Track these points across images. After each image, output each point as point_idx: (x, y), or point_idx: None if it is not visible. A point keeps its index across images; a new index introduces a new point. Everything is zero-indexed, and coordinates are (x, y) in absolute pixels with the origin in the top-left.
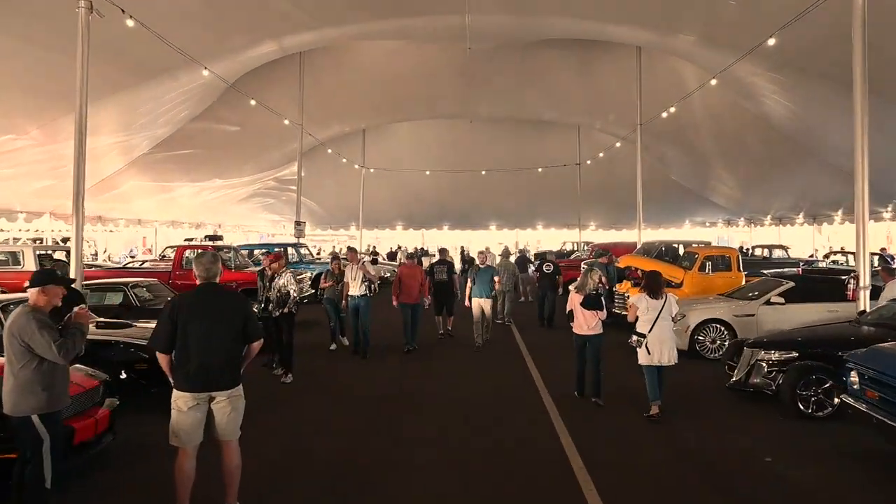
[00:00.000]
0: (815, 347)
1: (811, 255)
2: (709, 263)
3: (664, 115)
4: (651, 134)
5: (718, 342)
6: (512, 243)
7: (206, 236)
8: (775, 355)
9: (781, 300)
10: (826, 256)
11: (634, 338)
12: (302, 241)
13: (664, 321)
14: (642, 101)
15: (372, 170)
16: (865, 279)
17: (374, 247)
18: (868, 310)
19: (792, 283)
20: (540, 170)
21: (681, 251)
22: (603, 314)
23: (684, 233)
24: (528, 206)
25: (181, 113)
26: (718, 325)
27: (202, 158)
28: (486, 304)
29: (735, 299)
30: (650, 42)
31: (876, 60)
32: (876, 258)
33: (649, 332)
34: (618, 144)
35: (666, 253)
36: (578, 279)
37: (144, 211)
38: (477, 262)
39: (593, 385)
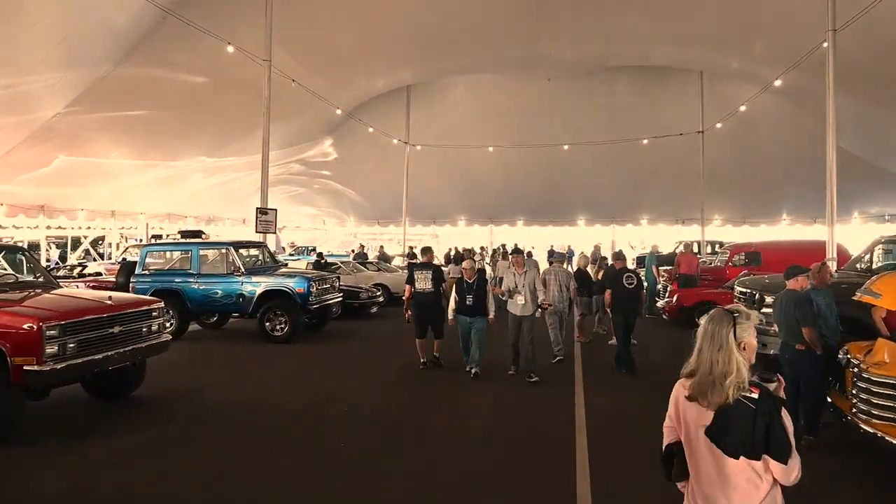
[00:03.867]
0: None
1: None
2: None
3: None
4: (808, 73)
5: None
6: (608, 243)
7: (180, 231)
8: None
9: None
10: None
11: None
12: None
13: None
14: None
15: (419, 147)
16: None
17: (413, 248)
18: None
19: None
20: (645, 141)
21: None
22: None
23: (851, 231)
24: (629, 192)
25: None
26: None
27: (178, 124)
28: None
29: None
30: None
31: None
32: None
33: None
34: (742, 108)
35: None
36: (693, 358)
37: (122, 199)
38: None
39: None
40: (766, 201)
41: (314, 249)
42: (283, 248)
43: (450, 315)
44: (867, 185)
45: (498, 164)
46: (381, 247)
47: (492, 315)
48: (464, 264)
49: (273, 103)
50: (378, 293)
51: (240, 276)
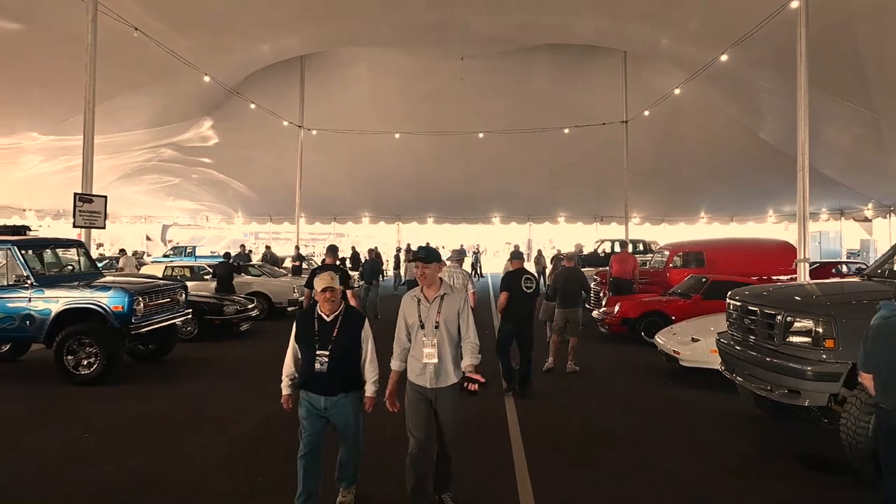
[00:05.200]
0: None
1: None
2: None
3: None
4: (743, 53)
5: None
6: (524, 242)
7: None
8: None
9: None
10: None
11: None
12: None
13: None
14: None
15: (314, 131)
16: None
17: (298, 247)
18: None
19: None
20: (566, 130)
21: None
22: None
23: (765, 230)
24: (547, 187)
25: None
26: None
27: None
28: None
29: None
30: None
31: None
32: None
33: None
34: (676, 91)
35: None
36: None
37: None
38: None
39: None
40: (686, 198)
41: (193, 251)
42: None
43: (284, 390)
44: (786, 181)
45: (406, 153)
46: (268, 247)
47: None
48: (316, 282)
49: (129, 67)
50: (251, 305)
51: (27, 288)
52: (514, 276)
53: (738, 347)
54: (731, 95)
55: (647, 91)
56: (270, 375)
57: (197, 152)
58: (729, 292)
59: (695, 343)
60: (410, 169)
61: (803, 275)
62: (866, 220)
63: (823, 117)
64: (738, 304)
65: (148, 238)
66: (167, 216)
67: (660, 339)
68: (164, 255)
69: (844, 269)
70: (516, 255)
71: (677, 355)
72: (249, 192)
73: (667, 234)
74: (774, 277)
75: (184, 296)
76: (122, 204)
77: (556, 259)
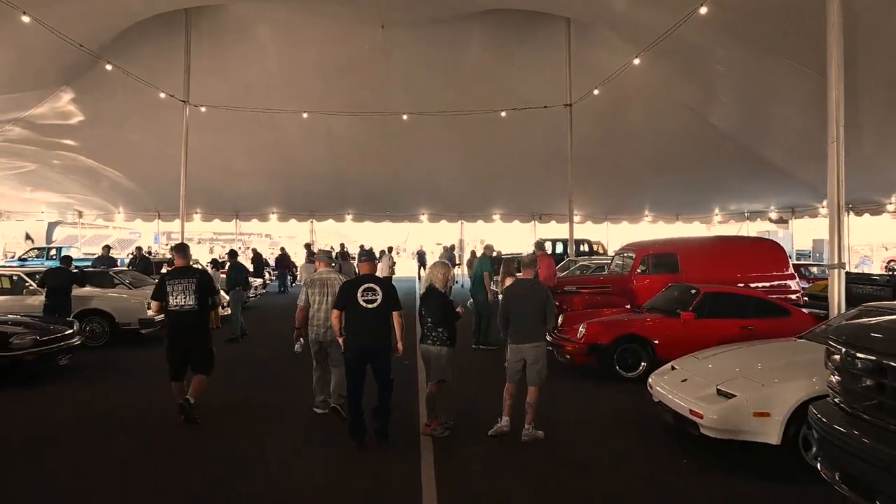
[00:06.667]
0: None
1: None
2: None
3: None
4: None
5: None
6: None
7: None
8: None
9: None
10: None
11: None
12: None
13: None
14: None
15: (203, 108)
16: None
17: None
18: None
19: None
20: (504, 114)
21: None
22: None
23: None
24: (482, 182)
25: None
26: None
27: None
28: None
29: None
30: None
31: None
32: None
33: None
34: (636, 61)
35: None
36: None
37: None
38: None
39: None
40: (630, 195)
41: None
42: None
43: None
44: (736, 174)
45: (319, 137)
46: (139, 248)
47: None
48: None
49: None
50: (69, 331)
51: None
52: (351, 287)
53: (869, 439)
54: (684, 75)
55: (592, 71)
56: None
57: (56, 132)
58: (831, 333)
59: (727, 401)
60: (325, 157)
61: (837, 287)
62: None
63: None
64: (864, 359)
65: (28, 237)
66: (29, 211)
67: (659, 386)
68: (20, 259)
69: (815, 270)
70: (365, 257)
71: (697, 418)
72: (129, 183)
73: (610, 233)
74: (761, 285)
75: None
76: None
77: (500, 263)
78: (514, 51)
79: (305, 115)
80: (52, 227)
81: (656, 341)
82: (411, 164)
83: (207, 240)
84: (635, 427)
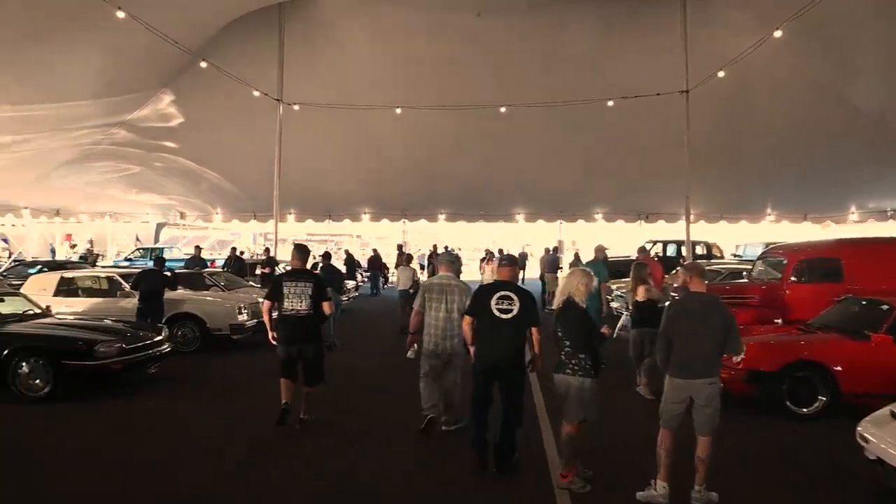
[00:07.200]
0: None
1: None
2: None
3: None
4: None
5: None
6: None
7: None
8: None
9: None
10: None
11: None
12: None
13: None
14: None
15: (296, 106)
16: None
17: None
18: None
19: None
20: (611, 103)
21: None
22: None
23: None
24: (583, 179)
25: None
26: None
27: None
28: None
29: None
30: None
31: None
32: None
33: None
34: (777, 33)
35: None
36: None
37: None
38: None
39: None
40: (749, 191)
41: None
42: None
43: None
44: (881, 164)
45: (412, 136)
46: (234, 248)
47: None
48: None
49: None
50: (158, 338)
51: None
52: (483, 294)
53: None
54: (820, 51)
55: (708, 54)
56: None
57: (157, 134)
58: None
59: None
60: (417, 155)
61: None
62: None
63: None
64: None
65: (137, 238)
66: (136, 213)
67: (884, 442)
68: (126, 259)
69: None
70: (506, 262)
71: None
72: (227, 184)
73: (726, 234)
74: None
75: None
76: (78, 197)
77: (633, 267)
78: (621, 35)
79: (398, 111)
80: (159, 227)
81: (838, 369)
82: (507, 160)
83: (301, 240)
84: (836, 489)
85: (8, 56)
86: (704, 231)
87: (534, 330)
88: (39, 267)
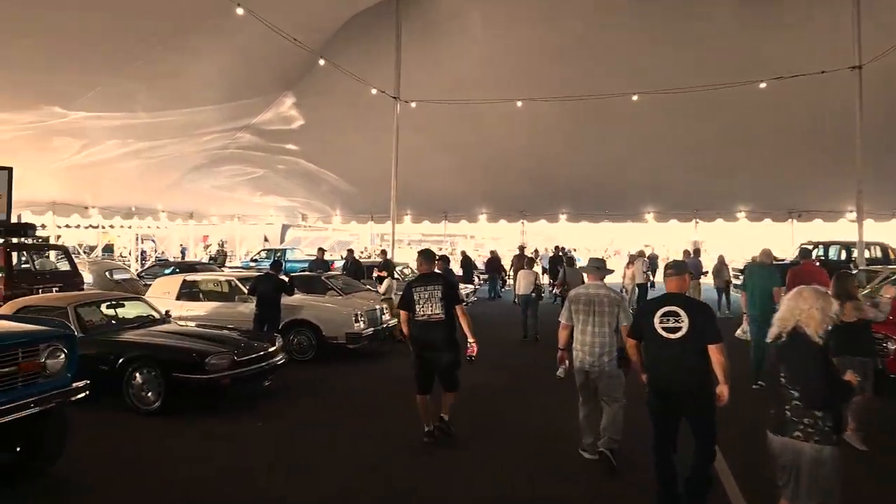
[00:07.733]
0: None
1: None
2: None
3: None
4: None
5: None
6: (677, 245)
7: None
8: None
9: None
10: None
11: None
12: None
13: None
14: None
15: (413, 104)
16: None
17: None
18: None
19: None
20: (763, 85)
21: None
22: None
23: None
24: (722, 173)
25: None
26: None
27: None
28: None
29: None
30: None
31: None
32: None
33: None
34: None
35: None
36: None
37: None
38: None
39: None
40: None
41: (283, 255)
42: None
43: None
44: None
45: (529, 129)
46: (350, 251)
47: None
48: None
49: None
50: (272, 349)
51: None
52: (646, 311)
53: None
54: None
55: (880, 26)
56: None
57: (280, 137)
58: None
59: None
60: (536, 152)
61: None
62: None
63: None
64: None
65: (266, 239)
66: (260, 215)
67: None
68: (252, 260)
69: None
70: (672, 270)
71: None
72: (346, 186)
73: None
74: None
75: (62, 356)
76: (208, 200)
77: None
78: (769, 3)
79: (519, 104)
80: (285, 228)
81: None
82: (634, 155)
83: (416, 241)
84: None
85: (141, 65)
86: (873, 230)
87: (712, 349)
88: (173, 267)
